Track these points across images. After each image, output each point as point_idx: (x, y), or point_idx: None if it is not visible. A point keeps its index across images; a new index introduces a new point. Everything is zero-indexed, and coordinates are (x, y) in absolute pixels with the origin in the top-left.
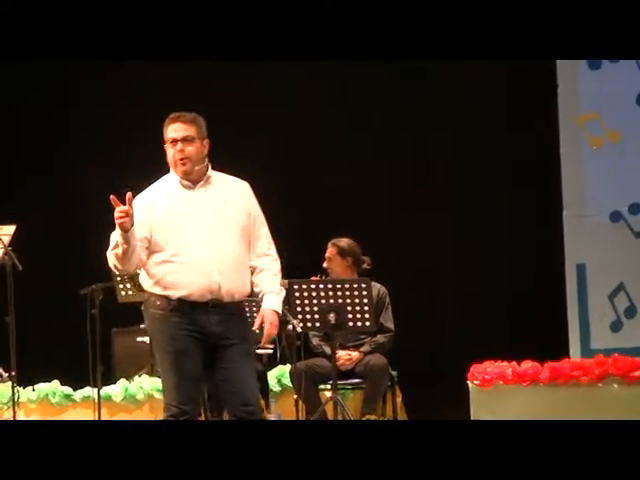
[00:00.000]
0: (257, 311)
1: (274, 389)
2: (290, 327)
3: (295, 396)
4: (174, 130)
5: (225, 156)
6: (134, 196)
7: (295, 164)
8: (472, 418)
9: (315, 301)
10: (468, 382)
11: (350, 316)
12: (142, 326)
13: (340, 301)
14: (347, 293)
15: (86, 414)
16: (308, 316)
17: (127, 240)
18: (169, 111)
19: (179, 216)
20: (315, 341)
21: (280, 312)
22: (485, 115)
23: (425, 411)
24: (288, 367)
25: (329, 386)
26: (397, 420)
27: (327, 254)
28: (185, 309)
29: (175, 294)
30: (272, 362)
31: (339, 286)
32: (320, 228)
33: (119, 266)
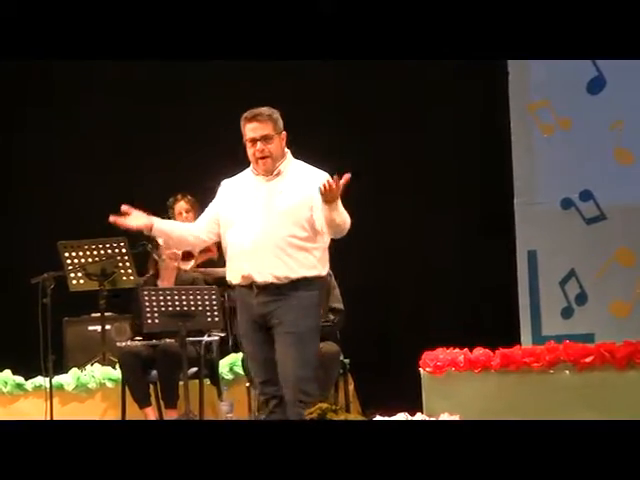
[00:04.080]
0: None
1: (226, 377)
2: None
3: (247, 384)
4: (252, 130)
5: None
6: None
7: None
8: (424, 405)
9: None
10: (420, 369)
11: None
12: (94, 315)
13: None
14: None
15: (38, 404)
16: None
17: (160, 235)
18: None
19: (241, 204)
20: None
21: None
22: (435, 104)
23: (377, 399)
24: (240, 355)
25: None
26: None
27: None
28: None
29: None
30: (224, 350)
31: None
32: None
33: None
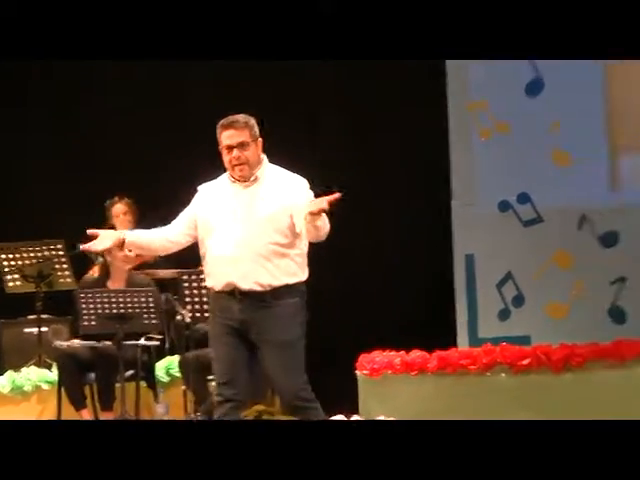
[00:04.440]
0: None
1: (162, 380)
2: (179, 317)
3: (184, 387)
4: (228, 137)
5: None
6: None
7: None
8: (361, 407)
9: (204, 291)
10: (357, 371)
11: None
12: (30, 317)
13: None
14: None
15: None
16: (197, 306)
17: (135, 248)
18: None
19: (219, 211)
20: None
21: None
22: (374, 104)
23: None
24: (177, 357)
25: None
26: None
27: None
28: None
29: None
30: (161, 353)
31: None
32: None
33: None
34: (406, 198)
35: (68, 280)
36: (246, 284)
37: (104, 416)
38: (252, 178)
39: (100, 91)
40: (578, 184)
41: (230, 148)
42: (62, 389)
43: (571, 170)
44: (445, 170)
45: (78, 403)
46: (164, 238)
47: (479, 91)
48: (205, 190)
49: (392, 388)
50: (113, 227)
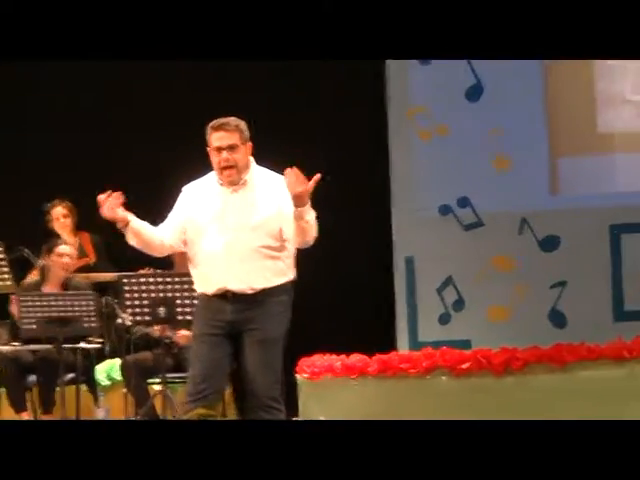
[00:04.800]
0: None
1: (103, 383)
2: (119, 321)
3: (124, 390)
4: (218, 139)
5: None
6: None
7: None
8: (301, 411)
9: (145, 294)
10: (297, 375)
11: (179, 309)
12: None
13: (170, 294)
14: (177, 286)
15: None
16: (138, 309)
17: (133, 234)
18: None
19: (208, 214)
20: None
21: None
22: (315, 108)
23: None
24: (117, 361)
25: (158, 380)
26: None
27: None
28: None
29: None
30: (101, 356)
31: (169, 279)
32: None
33: None
34: (346, 202)
35: (8, 283)
36: (239, 288)
37: (44, 419)
38: (241, 182)
39: (43, 90)
40: (518, 188)
41: (220, 150)
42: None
43: (511, 174)
44: (385, 173)
45: (18, 406)
46: (161, 240)
47: (419, 96)
48: (191, 192)
49: (332, 392)
50: (52, 230)
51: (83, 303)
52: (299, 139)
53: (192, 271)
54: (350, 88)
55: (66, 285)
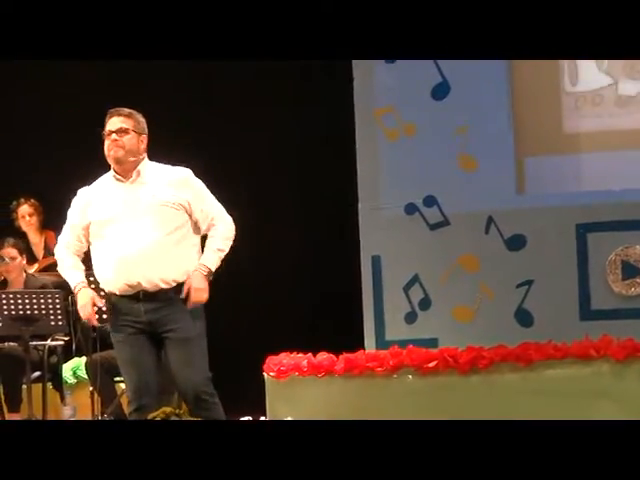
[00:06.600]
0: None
1: (69, 381)
2: None
3: (91, 388)
4: (111, 123)
5: None
6: None
7: None
8: (268, 410)
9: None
10: (264, 373)
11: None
12: None
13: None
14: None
15: None
16: (104, 307)
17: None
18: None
19: (109, 212)
20: None
21: (212, 268)
22: (280, 108)
23: (222, 403)
24: (84, 359)
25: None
26: None
27: None
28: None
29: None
30: (67, 354)
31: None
32: None
33: None
34: (313, 200)
35: None
36: (151, 284)
37: (11, 418)
38: (134, 173)
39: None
40: (485, 187)
41: (110, 133)
42: None
43: (477, 173)
44: (352, 172)
45: None
46: (78, 260)
47: (386, 95)
48: (87, 193)
49: (299, 390)
50: (19, 229)
51: (49, 301)
52: (266, 136)
53: (97, 272)
54: (317, 87)
55: (26, 284)
